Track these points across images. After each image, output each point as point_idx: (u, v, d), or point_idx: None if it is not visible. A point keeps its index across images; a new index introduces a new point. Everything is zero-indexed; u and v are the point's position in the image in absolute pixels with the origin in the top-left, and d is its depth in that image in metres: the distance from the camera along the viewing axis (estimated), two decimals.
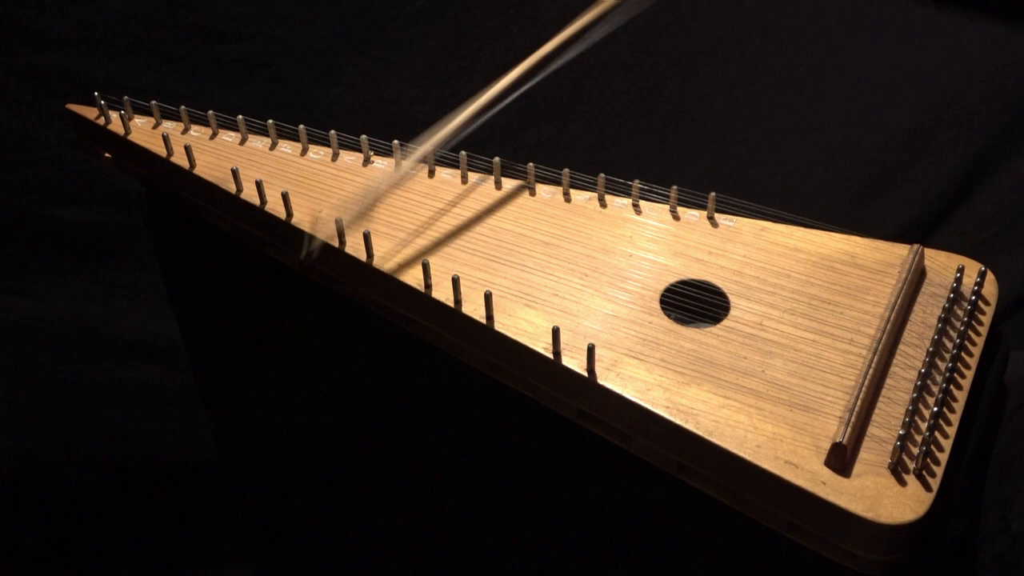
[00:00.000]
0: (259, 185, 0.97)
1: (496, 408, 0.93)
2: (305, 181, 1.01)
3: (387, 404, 1.07)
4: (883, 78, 1.40)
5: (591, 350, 0.80)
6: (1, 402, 1.55)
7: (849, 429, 0.73)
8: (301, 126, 1.06)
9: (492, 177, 1.02)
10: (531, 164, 1.00)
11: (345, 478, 1.21)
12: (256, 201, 0.97)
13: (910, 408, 0.76)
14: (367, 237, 0.91)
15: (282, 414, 1.22)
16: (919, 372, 0.80)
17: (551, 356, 0.82)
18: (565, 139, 1.58)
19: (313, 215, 0.91)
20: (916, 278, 0.88)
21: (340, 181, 1.01)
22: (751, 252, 0.92)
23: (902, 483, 0.72)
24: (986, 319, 0.86)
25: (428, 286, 0.88)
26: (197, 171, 1.01)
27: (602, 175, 0.99)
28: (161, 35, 1.45)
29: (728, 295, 0.88)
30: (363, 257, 0.91)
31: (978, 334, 0.85)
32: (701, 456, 0.77)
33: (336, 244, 0.91)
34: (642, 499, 0.89)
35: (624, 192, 0.99)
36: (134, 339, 1.59)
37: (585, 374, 0.80)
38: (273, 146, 1.06)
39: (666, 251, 0.93)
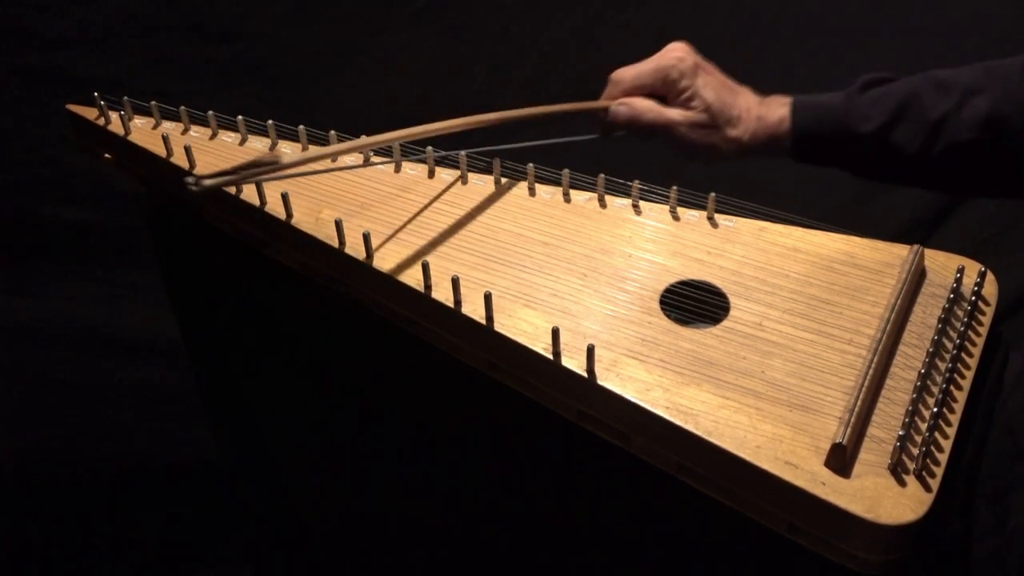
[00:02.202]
0: (259, 185, 0.97)
1: (496, 408, 0.93)
2: (305, 181, 1.01)
3: (387, 404, 1.07)
4: None
5: (591, 350, 0.80)
6: (1, 402, 1.55)
7: (849, 429, 0.73)
8: (301, 126, 1.06)
9: (492, 177, 1.02)
10: (531, 164, 1.00)
11: (345, 478, 1.21)
12: (256, 201, 0.97)
13: (910, 408, 0.76)
14: (367, 237, 0.91)
15: (282, 414, 1.22)
16: (919, 372, 0.80)
17: (551, 356, 0.82)
18: None
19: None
20: (916, 278, 0.88)
21: (340, 181, 1.01)
22: (750, 252, 0.92)
23: (902, 483, 0.72)
24: (986, 319, 0.86)
25: (428, 286, 0.88)
26: (197, 171, 1.01)
27: (602, 175, 0.99)
28: (161, 35, 1.45)
29: (728, 295, 0.88)
30: (363, 257, 0.91)
31: (978, 334, 0.85)
32: (701, 456, 0.77)
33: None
34: (642, 499, 0.89)
35: (624, 192, 0.99)
36: (134, 339, 1.59)
37: (585, 374, 0.80)
38: (273, 146, 1.06)
39: (665, 251, 0.93)
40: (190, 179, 0.78)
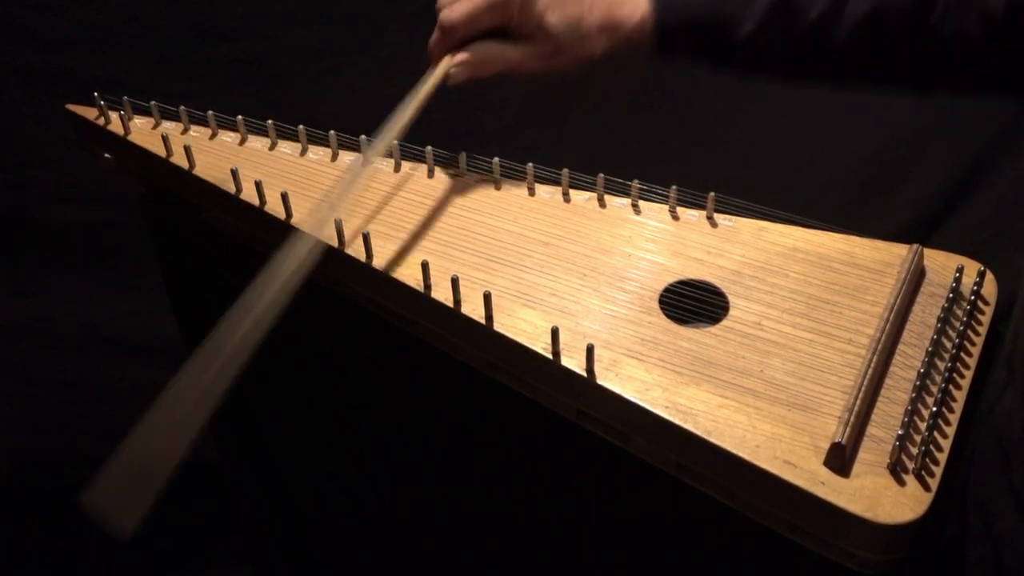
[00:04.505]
0: (259, 185, 0.97)
1: (496, 408, 0.93)
2: (305, 181, 1.01)
3: (387, 404, 1.07)
4: None
5: (590, 350, 0.80)
6: (1, 402, 1.55)
7: (848, 429, 0.73)
8: (301, 126, 1.06)
9: (492, 177, 1.02)
10: (531, 164, 1.00)
11: (345, 478, 1.21)
12: (256, 201, 0.97)
13: (909, 408, 0.76)
14: (367, 237, 0.91)
15: (282, 414, 1.22)
16: (918, 372, 0.80)
17: (550, 356, 0.82)
18: (565, 139, 1.57)
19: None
20: (915, 278, 0.88)
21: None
22: (750, 252, 0.92)
23: (901, 483, 0.72)
24: (985, 319, 0.86)
25: (428, 286, 0.88)
26: (197, 171, 1.01)
27: (602, 175, 0.99)
28: (161, 35, 1.45)
29: (727, 295, 0.88)
30: (363, 257, 0.91)
31: (977, 334, 0.85)
32: (700, 456, 0.77)
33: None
34: (641, 499, 0.89)
35: (623, 192, 0.99)
36: (134, 339, 1.59)
37: (584, 374, 0.80)
38: (273, 146, 1.06)
39: (665, 251, 0.93)
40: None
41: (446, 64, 0.89)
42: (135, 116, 1.08)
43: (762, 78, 0.86)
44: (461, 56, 0.88)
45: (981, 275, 0.88)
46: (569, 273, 0.90)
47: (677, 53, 0.85)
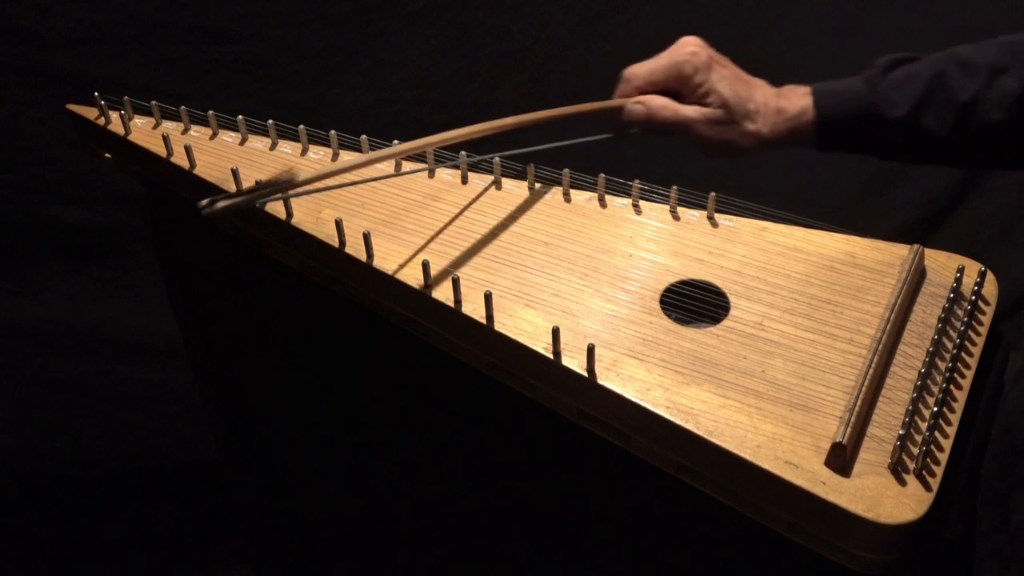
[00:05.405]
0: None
1: (496, 408, 0.93)
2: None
3: (387, 404, 1.07)
4: None
5: (591, 350, 0.80)
6: (1, 402, 1.55)
7: (849, 429, 0.73)
8: (301, 126, 1.06)
9: (492, 177, 1.02)
10: (531, 164, 1.00)
11: (344, 478, 1.21)
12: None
13: (910, 408, 0.76)
14: (367, 237, 0.91)
15: (282, 414, 1.22)
16: (919, 372, 0.80)
17: (551, 356, 0.82)
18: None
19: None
20: (916, 278, 0.88)
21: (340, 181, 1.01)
22: (751, 252, 0.92)
23: (902, 483, 0.72)
24: (986, 319, 0.86)
25: (428, 286, 0.88)
26: (197, 171, 1.01)
27: (602, 175, 0.99)
28: (161, 35, 1.45)
29: (728, 295, 0.88)
30: (363, 257, 0.91)
31: (978, 334, 0.85)
32: (701, 456, 0.77)
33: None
34: (642, 499, 0.89)
35: (624, 192, 0.99)
36: (134, 339, 1.59)
37: (585, 374, 0.80)
38: (273, 146, 1.06)
39: (666, 251, 0.93)
40: (203, 202, 0.77)
41: (624, 100, 0.95)
42: (135, 116, 1.08)
43: (922, 162, 0.91)
44: (640, 97, 0.94)
45: (982, 275, 0.88)
46: (570, 273, 0.90)
47: (837, 139, 0.91)
